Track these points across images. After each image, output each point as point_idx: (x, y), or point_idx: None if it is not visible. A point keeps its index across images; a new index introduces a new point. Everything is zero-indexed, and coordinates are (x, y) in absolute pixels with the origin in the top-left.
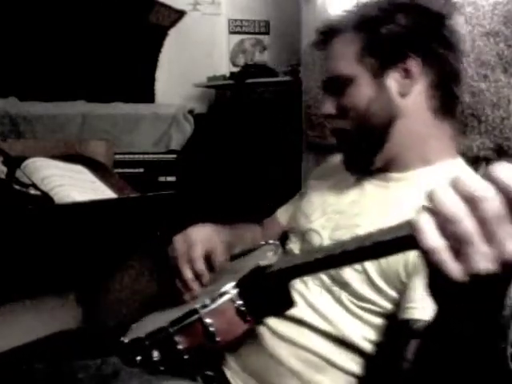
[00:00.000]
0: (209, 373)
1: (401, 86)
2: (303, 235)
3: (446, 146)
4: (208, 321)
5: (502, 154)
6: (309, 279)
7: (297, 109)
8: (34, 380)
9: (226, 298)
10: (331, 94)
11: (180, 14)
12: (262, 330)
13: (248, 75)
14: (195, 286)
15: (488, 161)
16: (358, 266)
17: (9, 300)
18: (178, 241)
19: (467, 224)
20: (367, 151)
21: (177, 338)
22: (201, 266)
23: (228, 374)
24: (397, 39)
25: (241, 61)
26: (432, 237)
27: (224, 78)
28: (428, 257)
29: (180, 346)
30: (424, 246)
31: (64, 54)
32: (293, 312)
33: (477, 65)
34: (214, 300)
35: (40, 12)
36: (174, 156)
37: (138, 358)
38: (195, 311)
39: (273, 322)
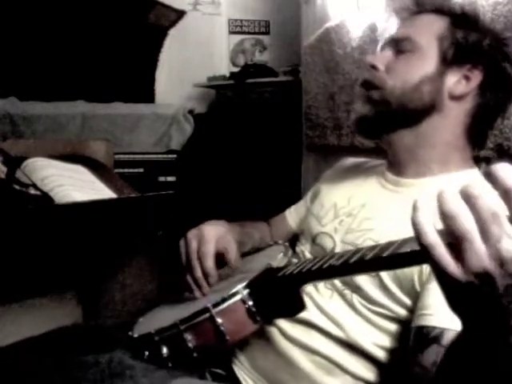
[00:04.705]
0: (218, 371)
1: (455, 87)
2: (314, 238)
3: (466, 157)
4: (219, 320)
5: (502, 153)
6: (321, 282)
7: (297, 109)
8: (40, 375)
9: (236, 298)
10: (390, 49)
11: (180, 14)
12: (273, 331)
13: (248, 75)
14: (205, 283)
15: (488, 161)
16: None
17: (9, 300)
18: (191, 236)
19: (463, 220)
20: (389, 120)
21: (187, 336)
22: (210, 264)
23: (238, 372)
24: (480, 48)
25: (241, 61)
26: (429, 231)
27: (224, 78)
28: (427, 253)
29: (190, 344)
30: (422, 242)
31: (64, 54)
32: (302, 315)
33: None
34: (225, 299)
35: (40, 12)
36: (174, 156)
37: (147, 353)
38: (207, 310)
39: (283, 324)
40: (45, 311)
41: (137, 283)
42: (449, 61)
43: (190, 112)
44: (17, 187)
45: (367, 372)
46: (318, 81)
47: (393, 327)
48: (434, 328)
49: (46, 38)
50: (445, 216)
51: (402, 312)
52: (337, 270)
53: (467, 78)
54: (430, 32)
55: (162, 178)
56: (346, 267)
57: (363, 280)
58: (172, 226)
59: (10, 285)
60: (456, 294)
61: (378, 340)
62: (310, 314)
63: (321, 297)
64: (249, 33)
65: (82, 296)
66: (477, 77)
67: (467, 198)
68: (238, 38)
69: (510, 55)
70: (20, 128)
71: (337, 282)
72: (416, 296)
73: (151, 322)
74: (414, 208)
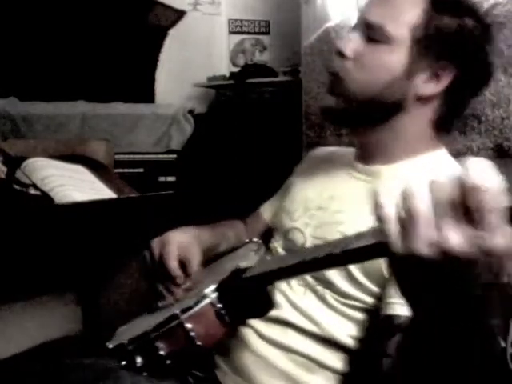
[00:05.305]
0: (198, 374)
1: (423, 87)
2: (286, 233)
3: (434, 142)
4: (188, 325)
5: (502, 153)
6: (292, 279)
7: (297, 109)
8: (35, 377)
9: (205, 301)
10: (361, 34)
11: (180, 14)
12: (249, 332)
13: (248, 75)
14: (176, 288)
15: None
16: None
17: (8, 300)
18: (154, 245)
19: (418, 202)
20: (352, 118)
21: (158, 344)
22: (173, 264)
23: (219, 375)
24: (455, 41)
25: (241, 61)
26: (387, 206)
27: (224, 78)
28: (381, 226)
29: (162, 352)
30: (378, 214)
31: (64, 54)
32: (277, 313)
33: None
34: (194, 304)
35: (40, 12)
36: (174, 156)
37: (123, 362)
38: (176, 316)
39: (258, 324)
40: (44, 311)
41: (137, 283)
42: (419, 57)
43: (190, 112)
44: (17, 187)
45: (346, 365)
46: (318, 81)
47: (366, 318)
48: (400, 316)
49: (46, 38)
50: (402, 196)
51: (372, 301)
52: (296, 269)
53: (437, 77)
54: (404, 21)
55: (162, 178)
56: (303, 266)
57: (333, 274)
58: (172, 226)
59: (9, 285)
60: (405, 277)
61: (353, 332)
62: (284, 311)
63: (294, 294)
64: (249, 33)
65: (82, 296)
66: (447, 76)
67: (429, 184)
68: (237, 37)
69: (489, 46)
70: (20, 128)
71: (309, 278)
72: (384, 284)
73: (127, 332)
74: (381, 191)
